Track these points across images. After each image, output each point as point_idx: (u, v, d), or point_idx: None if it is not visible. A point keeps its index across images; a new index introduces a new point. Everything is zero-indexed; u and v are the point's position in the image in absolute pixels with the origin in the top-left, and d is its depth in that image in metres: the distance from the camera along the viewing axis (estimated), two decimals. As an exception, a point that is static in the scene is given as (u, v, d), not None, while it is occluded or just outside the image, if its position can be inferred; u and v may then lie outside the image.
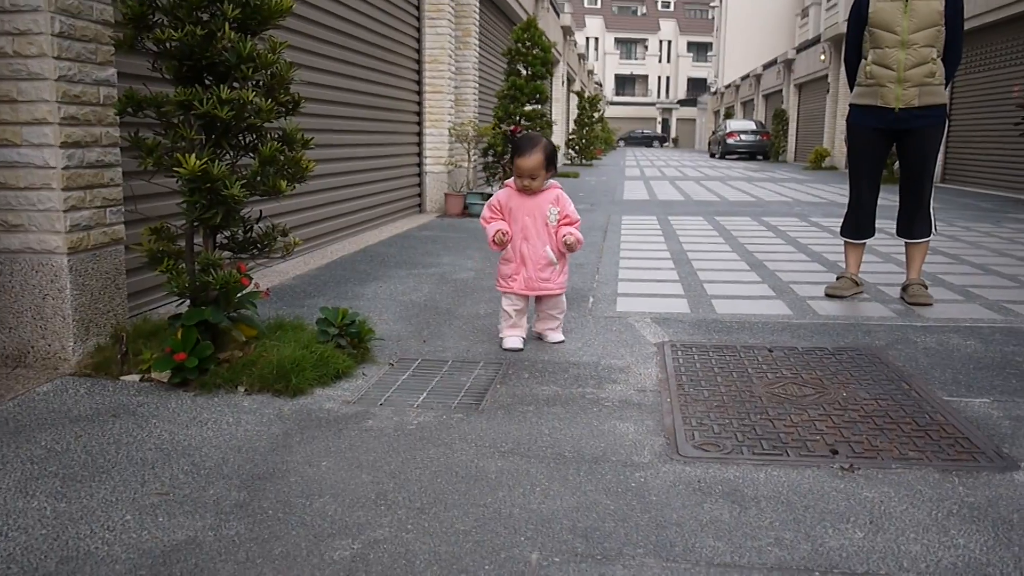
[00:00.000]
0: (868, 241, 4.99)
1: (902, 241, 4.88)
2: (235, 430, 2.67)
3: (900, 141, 4.70)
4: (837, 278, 5.01)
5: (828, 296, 4.86)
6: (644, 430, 2.71)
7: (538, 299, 3.73)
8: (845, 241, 4.98)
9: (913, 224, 4.77)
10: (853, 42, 4.78)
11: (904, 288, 4.81)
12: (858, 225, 4.90)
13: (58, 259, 3.16)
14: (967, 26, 14.79)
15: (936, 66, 4.51)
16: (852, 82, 4.84)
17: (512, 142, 3.39)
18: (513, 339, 3.68)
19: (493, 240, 3.61)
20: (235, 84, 3.12)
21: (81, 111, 3.20)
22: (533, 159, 3.57)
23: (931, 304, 4.63)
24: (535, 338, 3.82)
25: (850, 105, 4.88)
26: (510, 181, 3.69)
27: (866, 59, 4.66)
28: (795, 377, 3.27)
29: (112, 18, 3.34)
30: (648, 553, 1.92)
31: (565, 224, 3.66)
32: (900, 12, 4.50)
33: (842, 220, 5.02)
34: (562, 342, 3.76)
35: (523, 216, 3.63)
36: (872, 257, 6.43)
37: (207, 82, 3.12)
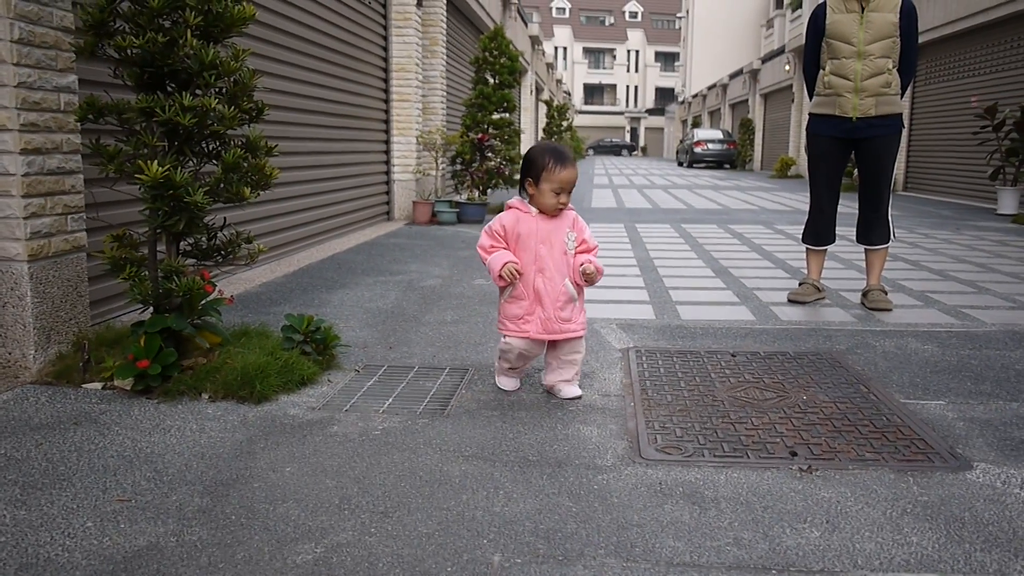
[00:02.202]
0: (830, 248, 5.08)
1: (862, 248, 4.97)
2: (199, 437, 2.66)
3: (858, 150, 4.77)
4: (799, 284, 5.07)
5: (791, 302, 4.93)
6: (608, 434, 2.73)
7: (551, 344, 3.09)
8: (806, 248, 5.07)
9: (872, 231, 4.86)
10: (811, 53, 4.86)
11: (864, 294, 4.89)
12: (818, 232, 4.97)
13: (18, 266, 3.13)
14: (927, 38, 15.10)
15: (892, 76, 4.60)
16: (811, 92, 4.91)
17: (544, 150, 3.04)
18: (510, 381, 3.20)
19: (500, 275, 2.96)
20: (198, 91, 3.11)
21: (41, 117, 3.17)
22: (575, 171, 3.00)
23: (891, 309, 4.72)
24: (543, 392, 3.18)
25: (809, 115, 4.95)
26: (515, 201, 3.07)
27: (823, 70, 4.74)
28: (757, 381, 3.32)
29: (73, 25, 3.32)
30: (609, 554, 1.95)
31: (582, 251, 3.06)
32: (856, 24, 4.58)
33: (803, 227, 5.10)
34: (579, 397, 3.10)
35: (536, 244, 2.99)
36: (833, 263, 6.53)
37: (169, 89, 3.11)
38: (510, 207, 3.05)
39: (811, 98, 4.91)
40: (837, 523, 2.11)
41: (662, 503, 2.22)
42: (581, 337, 3.09)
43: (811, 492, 2.30)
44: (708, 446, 2.63)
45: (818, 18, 4.74)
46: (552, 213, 3.01)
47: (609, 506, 2.19)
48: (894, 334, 4.15)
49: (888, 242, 4.86)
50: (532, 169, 2.99)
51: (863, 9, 4.57)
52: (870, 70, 4.58)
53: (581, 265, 3.00)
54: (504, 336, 3.08)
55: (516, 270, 2.96)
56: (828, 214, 4.93)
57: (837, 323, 4.40)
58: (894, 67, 4.61)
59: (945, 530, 2.08)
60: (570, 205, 3.06)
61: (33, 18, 3.12)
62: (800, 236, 5.29)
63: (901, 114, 4.72)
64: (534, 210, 3.02)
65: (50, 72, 3.21)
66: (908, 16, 4.58)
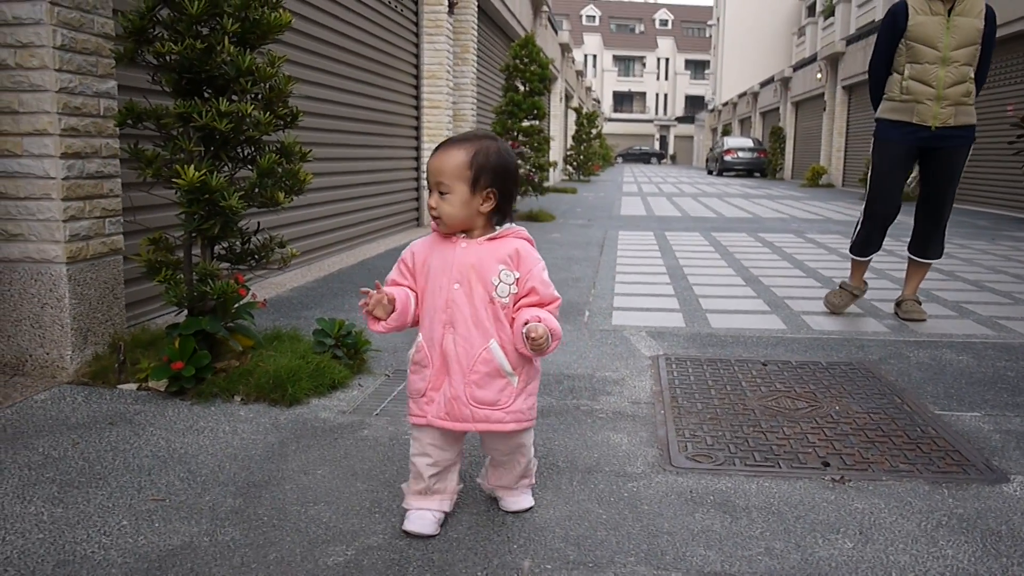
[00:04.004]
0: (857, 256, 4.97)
1: (896, 257, 4.90)
2: (231, 438, 2.69)
3: (929, 160, 4.52)
4: (839, 285, 4.92)
5: (828, 308, 4.82)
6: (637, 441, 2.73)
7: (484, 435, 2.12)
8: (853, 259, 4.84)
9: (929, 244, 4.67)
10: (884, 54, 4.54)
11: (898, 303, 4.81)
12: (870, 242, 4.73)
13: (57, 268, 3.18)
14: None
15: (972, 85, 4.38)
16: (877, 95, 4.65)
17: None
18: (420, 516, 2.06)
19: (369, 313, 2.04)
20: (234, 97, 3.16)
21: (81, 122, 3.23)
22: (443, 158, 1.99)
23: (925, 319, 4.64)
24: (488, 499, 2.27)
25: (879, 120, 4.63)
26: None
27: (900, 73, 4.45)
28: (788, 391, 3.29)
29: (113, 31, 3.38)
30: (639, 561, 1.94)
31: (529, 304, 2.01)
32: (942, 28, 4.31)
33: (852, 237, 4.82)
34: (530, 509, 2.20)
35: (449, 282, 2.00)
36: (867, 274, 6.46)
37: (206, 95, 3.15)
38: (432, 228, 2.09)
39: (875, 101, 4.68)
40: (871, 534, 2.09)
41: (693, 511, 2.21)
42: (516, 432, 2.07)
43: (844, 503, 2.27)
44: (739, 455, 2.61)
45: (898, 17, 4.41)
46: (438, 227, 2.04)
47: (639, 513, 2.19)
48: (928, 345, 4.10)
49: (941, 257, 4.72)
50: None
51: (949, 12, 4.31)
52: (953, 77, 4.33)
53: (526, 324, 1.95)
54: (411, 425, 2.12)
55: (389, 298, 2.01)
56: (885, 224, 4.67)
57: (870, 333, 4.35)
58: (973, 75, 4.39)
59: (981, 543, 2.05)
60: (520, 230, 2.07)
61: (75, 25, 3.18)
62: (836, 246, 5.16)
63: (975, 125, 4.51)
64: (462, 233, 2.04)
65: (91, 78, 3.27)
66: (991, 22, 4.37)
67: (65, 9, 3.13)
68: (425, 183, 9.61)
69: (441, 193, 1.98)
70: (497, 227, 2.05)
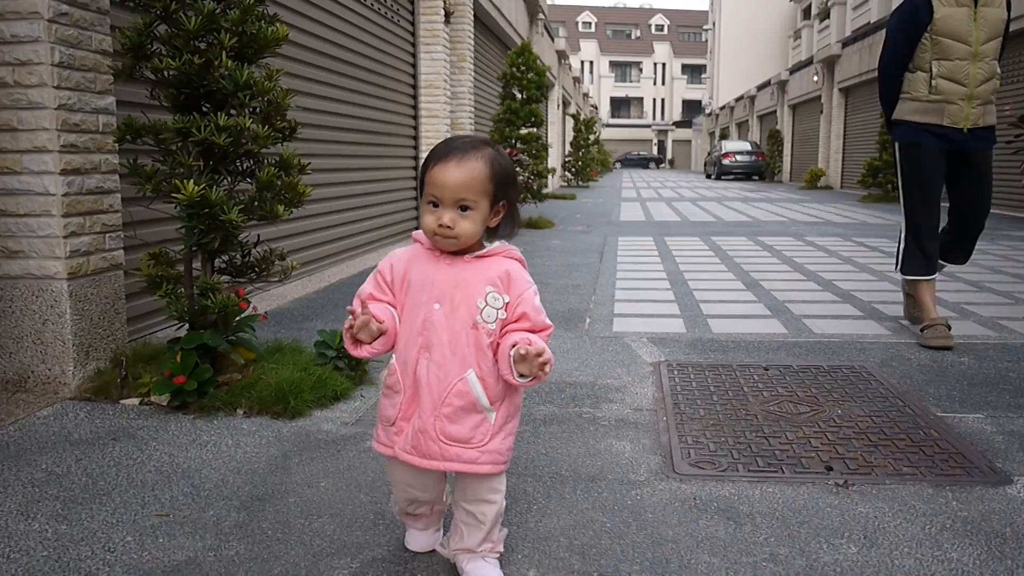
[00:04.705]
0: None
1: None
2: (234, 452, 2.69)
3: (961, 164, 4.21)
4: (923, 329, 4.16)
5: (936, 348, 4.04)
6: (640, 448, 2.73)
7: (457, 477, 1.89)
8: (914, 280, 4.30)
9: (959, 252, 4.39)
10: (902, 51, 4.18)
11: (929, 326, 4.15)
12: (930, 257, 4.25)
13: (58, 284, 3.19)
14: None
15: (999, 81, 4.12)
16: (891, 96, 4.29)
17: (434, 147, 1.84)
18: (413, 536, 2.04)
19: (352, 336, 1.81)
20: (232, 111, 3.17)
21: (80, 139, 3.24)
22: (465, 170, 1.77)
23: (951, 348, 4.06)
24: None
25: (904, 123, 4.25)
26: (418, 233, 1.91)
27: (926, 71, 4.12)
28: (790, 395, 3.30)
29: (111, 48, 3.39)
30: (644, 570, 1.94)
31: (518, 329, 1.80)
32: (970, 20, 4.00)
33: (901, 258, 4.33)
34: None
35: (428, 301, 1.82)
36: (866, 276, 6.48)
37: (205, 109, 3.16)
38: (414, 239, 1.93)
39: (889, 103, 4.33)
40: (875, 539, 2.09)
41: (697, 518, 2.21)
42: (489, 475, 1.84)
43: (848, 507, 2.27)
44: (742, 461, 2.61)
45: (920, 11, 4.05)
46: (443, 246, 1.81)
47: (643, 522, 2.19)
48: (929, 346, 4.09)
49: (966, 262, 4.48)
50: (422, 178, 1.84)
51: (976, 3, 4.04)
52: (984, 74, 4.06)
53: (514, 346, 1.74)
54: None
55: (378, 321, 1.79)
56: (935, 234, 4.30)
57: (871, 336, 4.35)
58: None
59: (986, 546, 2.05)
60: (513, 250, 1.87)
61: (73, 42, 3.19)
62: (899, 268, 4.38)
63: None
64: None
65: (89, 94, 3.28)
66: (1010, 10, 4.12)
67: (63, 27, 3.14)
68: (413, 192, 9.65)
69: (463, 208, 1.76)
70: (486, 244, 1.85)
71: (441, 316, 1.78)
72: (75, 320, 3.22)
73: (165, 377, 3.07)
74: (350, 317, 1.80)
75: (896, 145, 4.37)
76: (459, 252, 1.82)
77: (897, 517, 2.21)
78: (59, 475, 2.48)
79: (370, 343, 1.80)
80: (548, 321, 1.83)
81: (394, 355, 1.85)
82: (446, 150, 1.78)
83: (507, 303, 1.79)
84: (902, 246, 4.37)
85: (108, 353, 3.42)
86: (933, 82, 4.10)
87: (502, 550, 1.95)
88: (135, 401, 3.16)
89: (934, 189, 4.26)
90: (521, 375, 1.74)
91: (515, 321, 1.79)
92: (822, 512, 2.24)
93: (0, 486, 2.39)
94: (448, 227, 1.75)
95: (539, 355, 1.70)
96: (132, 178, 3.18)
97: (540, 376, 1.73)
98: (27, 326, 3.22)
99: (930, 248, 4.27)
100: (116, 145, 3.40)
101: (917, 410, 3.09)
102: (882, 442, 2.77)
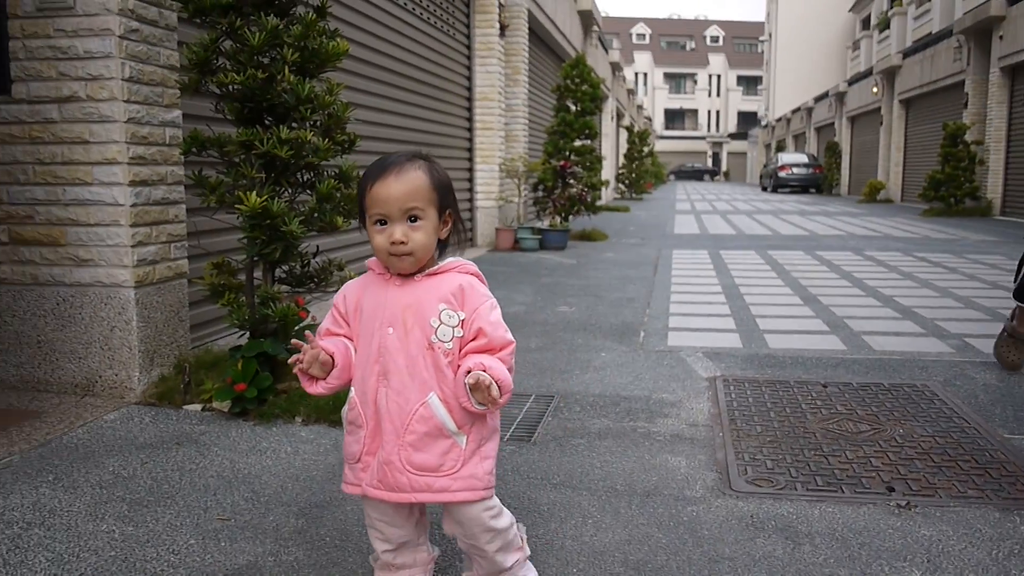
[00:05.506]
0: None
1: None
2: (293, 459, 2.73)
3: None
4: (1009, 333, 3.92)
5: (1002, 364, 3.91)
6: (696, 464, 2.70)
7: (445, 513, 1.81)
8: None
9: None
10: None
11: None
12: None
13: (125, 292, 3.28)
14: (1022, 58, 14.57)
15: None
16: None
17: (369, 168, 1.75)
18: None
19: (304, 372, 1.77)
20: (294, 124, 3.23)
21: (148, 151, 3.34)
22: (406, 180, 1.69)
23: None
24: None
25: None
26: (372, 260, 1.81)
27: None
28: (850, 413, 3.24)
29: (178, 63, 3.49)
30: (701, 587, 1.92)
31: (478, 349, 1.70)
32: None
33: (1017, 280, 3.82)
34: None
35: (381, 326, 1.73)
36: (927, 292, 6.33)
37: (267, 123, 3.23)
38: (368, 266, 1.82)
39: None
40: (939, 563, 2.04)
41: (754, 537, 2.18)
42: (469, 502, 1.73)
43: (910, 529, 2.22)
44: (800, 479, 2.57)
45: None
46: (399, 267, 1.72)
47: (699, 539, 2.17)
48: (994, 366, 3.99)
49: None
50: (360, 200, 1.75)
51: None
52: None
53: (469, 373, 1.65)
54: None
55: (327, 353, 1.74)
56: None
57: (934, 354, 4.25)
58: None
59: (1056, 573, 1.99)
60: (468, 264, 1.78)
61: (143, 57, 3.29)
62: (1014, 292, 3.83)
63: None
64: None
65: (157, 108, 3.38)
66: None
67: (133, 43, 3.24)
68: (476, 204, 9.70)
69: (412, 219, 1.68)
70: (439, 260, 1.76)
71: (395, 340, 1.70)
72: (141, 327, 3.31)
73: (226, 384, 3.14)
74: (298, 352, 1.73)
75: None
76: (411, 273, 1.73)
77: (962, 541, 2.16)
78: (125, 478, 2.55)
79: (324, 378, 1.75)
80: (509, 336, 1.72)
81: (352, 388, 1.77)
82: (381, 166, 1.70)
83: (463, 320, 1.70)
84: None
85: (172, 360, 3.50)
86: None
87: (528, 551, 1.87)
88: (197, 407, 3.23)
89: None
90: (480, 403, 1.66)
91: (473, 339, 1.70)
92: (883, 534, 2.20)
93: (70, 486, 2.47)
94: (402, 242, 1.67)
95: (489, 387, 1.61)
96: (196, 189, 3.26)
97: (498, 404, 1.65)
98: (96, 332, 3.31)
99: None
100: (182, 157, 3.49)
101: (982, 431, 3.01)
102: (946, 463, 2.70)
